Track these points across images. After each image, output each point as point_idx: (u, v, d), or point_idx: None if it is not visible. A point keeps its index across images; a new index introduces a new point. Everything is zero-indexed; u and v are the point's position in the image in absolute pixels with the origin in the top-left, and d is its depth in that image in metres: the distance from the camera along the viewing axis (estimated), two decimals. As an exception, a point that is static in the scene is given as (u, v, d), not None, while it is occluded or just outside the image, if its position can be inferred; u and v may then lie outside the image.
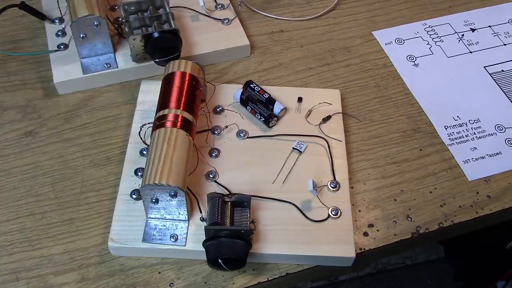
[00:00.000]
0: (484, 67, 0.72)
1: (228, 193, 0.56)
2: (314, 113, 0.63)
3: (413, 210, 0.58)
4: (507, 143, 0.64)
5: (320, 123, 0.62)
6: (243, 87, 0.64)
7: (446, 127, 0.65)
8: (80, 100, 0.66)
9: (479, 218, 0.58)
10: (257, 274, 0.53)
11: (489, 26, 0.77)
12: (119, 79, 0.68)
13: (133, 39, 0.63)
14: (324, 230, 0.54)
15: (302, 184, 0.56)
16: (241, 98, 0.63)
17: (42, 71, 0.68)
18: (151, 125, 0.56)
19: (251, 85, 0.63)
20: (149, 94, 0.64)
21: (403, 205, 0.58)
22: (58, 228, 0.55)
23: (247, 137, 0.61)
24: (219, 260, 0.48)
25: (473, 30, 0.76)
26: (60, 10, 0.71)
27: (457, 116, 0.66)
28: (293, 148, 0.60)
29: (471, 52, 0.74)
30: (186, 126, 0.54)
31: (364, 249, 0.55)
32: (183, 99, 0.56)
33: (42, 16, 0.71)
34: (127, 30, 0.65)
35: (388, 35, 0.75)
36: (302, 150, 0.60)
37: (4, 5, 0.69)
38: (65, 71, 0.66)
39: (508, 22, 0.77)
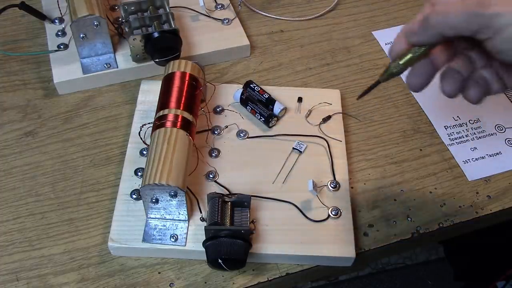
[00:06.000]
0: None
1: (228, 193, 0.56)
2: (314, 113, 0.63)
3: (413, 210, 0.58)
4: (507, 143, 0.64)
5: (320, 123, 0.62)
6: (243, 87, 0.64)
7: (446, 127, 0.65)
8: (80, 100, 0.66)
9: (479, 218, 0.58)
10: (257, 274, 0.53)
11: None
12: (119, 79, 0.68)
13: (133, 39, 0.63)
14: (324, 230, 0.54)
15: (302, 184, 0.56)
16: (241, 98, 0.63)
17: (42, 71, 0.68)
18: (151, 125, 0.56)
19: (251, 85, 0.63)
20: (149, 94, 0.64)
21: (403, 205, 0.58)
22: (58, 228, 0.55)
23: (247, 137, 0.61)
24: (219, 260, 0.48)
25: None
26: (60, 10, 0.71)
27: (457, 116, 0.66)
28: (293, 148, 0.60)
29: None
30: (186, 126, 0.54)
31: (364, 249, 0.55)
32: (183, 99, 0.56)
33: (42, 16, 0.71)
34: (127, 30, 0.65)
35: (388, 35, 0.75)
36: (302, 150, 0.60)
37: (4, 5, 0.69)
38: (65, 71, 0.66)
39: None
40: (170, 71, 0.58)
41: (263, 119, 0.61)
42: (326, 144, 0.60)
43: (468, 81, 0.41)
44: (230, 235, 0.49)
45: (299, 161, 0.59)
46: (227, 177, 0.57)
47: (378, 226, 0.57)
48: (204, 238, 0.50)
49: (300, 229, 0.54)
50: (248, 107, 0.63)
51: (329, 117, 0.63)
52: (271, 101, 0.62)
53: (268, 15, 0.77)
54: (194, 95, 0.57)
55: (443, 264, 1.33)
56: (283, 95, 0.64)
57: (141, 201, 0.52)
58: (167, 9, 0.66)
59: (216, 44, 0.70)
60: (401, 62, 0.41)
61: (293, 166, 0.59)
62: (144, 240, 0.53)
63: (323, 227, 0.54)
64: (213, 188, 0.56)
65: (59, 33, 0.70)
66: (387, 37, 0.75)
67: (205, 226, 0.49)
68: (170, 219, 0.54)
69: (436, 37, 0.38)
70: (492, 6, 0.35)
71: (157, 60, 0.63)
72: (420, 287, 1.34)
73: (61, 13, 0.71)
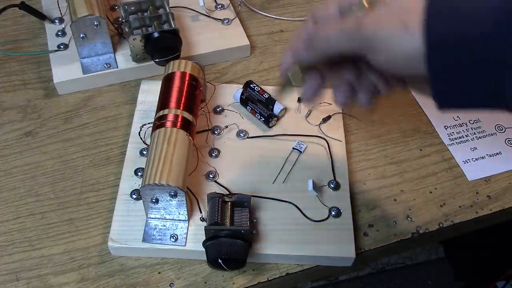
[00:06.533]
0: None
1: (228, 193, 0.56)
2: (314, 113, 0.63)
3: (413, 210, 0.58)
4: (507, 143, 0.64)
5: (320, 123, 0.62)
6: (243, 87, 0.64)
7: (446, 127, 0.65)
8: (80, 100, 0.66)
9: (479, 218, 0.58)
10: (257, 274, 0.53)
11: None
12: (119, 79, 0.68)
13: (133, 39, 0.63)
14: (324, 230, 0.54)
15: (302, 184, 0.56)
16: (241, 98, 0.63)
17: (42, 71, 0.68)
18: (151, 125, 0.56)
19: (251, 85, 0.63)
20: (149, 94, 0.64)
21: (403, 205, 0.58)
22: (58, 228, 0.55)
23: (247, 137, 0.61)
24: (219, 260, 0.48)
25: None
26: (60, 10, 0.71)
27: (457, 116, 0.66)
28: (293, 148, 0.60)
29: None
30: (186, 126, 0.54)
31: (364, 249, 0.55)
32: (183, 99, 0.56)
33: (42, 16, 0.71)
34: (127, 30, 0.65)
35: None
36: (302, 150, 0.60)
37: (4, 5, 0.69)
38: (65, 71, 0.66)
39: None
40: (170, 71, 0.58)
41: (263, 119, 0.61)
42: (326, 144, 0.60)
43: (357, 88, 0.43)
44: (230, 235, 0.49)
45: (299, 161, 0.59)
46: (227, 177, 0.57)
47: (378, 226, 0.57)
48: (204, 238, 0.50)
49: (300, 229, 0.54)
50: (248, 107, 0.63)
51: (329, 117, 0.63)
52: (271, 101, 0.62)
53: (268, 15, 0.77)
54: (194, 95, 0.57)
55: (443, 264, 1.33)
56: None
57: (141, 201, 0.52)
58: (167, 9, 0.66)
59: (216, 44, 0.70)
60: (291, 76, 0.43)
61: (293, 166, 0.59)
62: (144, 240, 0.53)
63: (323, 227, 0.54)
64: (213, 188, 0.56)
65: (59, 33, 0.70)
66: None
67: (205, 226, 0.49)
68: (170, 219, 0.54)
69: (321, 56, 0.40)
70: (366, 26, 0.36)
71: (157, 60, 0.63)
72: (420, 287, 1.34)
73: (61, 13, 0.71)
